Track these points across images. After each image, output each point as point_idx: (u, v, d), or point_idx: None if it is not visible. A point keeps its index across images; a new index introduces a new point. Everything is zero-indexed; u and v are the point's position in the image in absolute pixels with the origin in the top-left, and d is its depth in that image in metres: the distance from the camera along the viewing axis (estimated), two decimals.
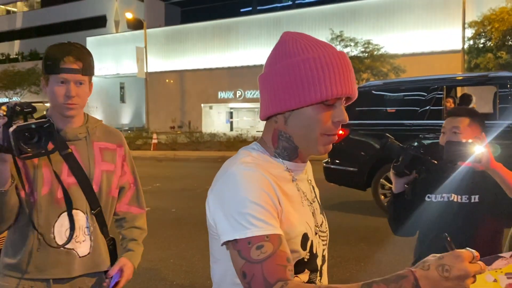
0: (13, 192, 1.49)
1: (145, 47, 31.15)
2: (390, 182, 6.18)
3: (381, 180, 6.36)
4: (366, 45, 22.77)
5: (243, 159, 1.00)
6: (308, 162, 1.15)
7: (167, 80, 37.36)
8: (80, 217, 1.62)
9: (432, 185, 1.98)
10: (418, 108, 6.09)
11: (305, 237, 1.02)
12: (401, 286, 0.82)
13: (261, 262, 0.89)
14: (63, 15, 46.75)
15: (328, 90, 0.96)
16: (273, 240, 0.90)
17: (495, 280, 1.22)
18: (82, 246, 1.63)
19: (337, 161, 6.72)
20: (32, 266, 1.56)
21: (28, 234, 1.57)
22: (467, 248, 0.87)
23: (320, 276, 1.10)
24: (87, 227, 1.64)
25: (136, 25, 38.60)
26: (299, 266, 1.02)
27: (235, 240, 0.91)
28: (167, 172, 12.24)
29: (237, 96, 34.85)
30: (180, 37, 36.80)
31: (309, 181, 1.15)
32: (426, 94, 6.10)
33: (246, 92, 34.37)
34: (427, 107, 6.01)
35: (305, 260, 1.03)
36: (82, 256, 1.63)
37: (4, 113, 1.40)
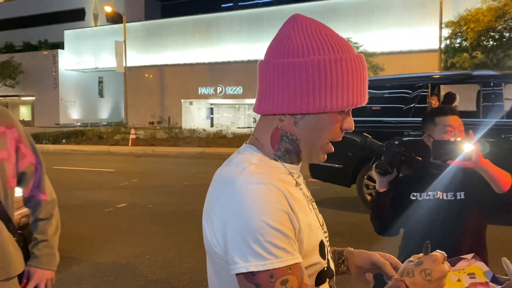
0: None
1: (124, 41, 30.74)
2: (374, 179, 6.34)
3: (365, 177, 6.41)
4: None
5: (249, 169, 0.87)
6: None
7: (146, 75, 36.97)
8: None
9: (417, 183, 1.98)
10: (403, 106, 6.15)
11: (321, 245, 0.94)
12: None
13: None
14: (40, 7, 45.72)
15: (354, 98, 0.88)
16: (296, 272, 0.81)
17: (458, 280, 1.28)
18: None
19: None
20: None
21: None
22: (437, 250, 0.95)
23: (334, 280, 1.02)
24: None
25: (115, 18, 38.00)
26: (321, 277, 0.94)
27: (251, 272, 0.79)
28: (145, 168, 12.15)
29: (218, 92, 34.73)
30: (160, 32, 36.42)
31: (304, 181, 1.04)
32: (411, 91, 6.15)
33: (226, 88, 34.28)
34: (412, 105, 6.07)
35: (325, 269, 0.95)
36: None
37: None
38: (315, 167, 6.77)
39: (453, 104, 7.62)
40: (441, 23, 20.56)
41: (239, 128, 30.40)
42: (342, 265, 1.13)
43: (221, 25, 34.24)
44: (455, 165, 1.81)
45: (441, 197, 1.93)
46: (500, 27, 18.52)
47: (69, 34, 40.30)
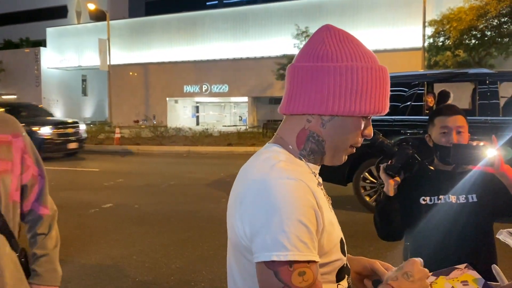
0: None
1: (108, 39, 30.40)
2: (373, 177, 6.34)
3: (362, 175, 6.40)
4: None
5: (279, 165, 0.91)
6: None
7: (130, 73, 36.63)
8: None
9: (426, 186, 1.90)
10: (400, 104, 6.15)
11: (342, 242, 0.99)
12: None
13: None
14: (22, 4, 44.91)
15: (379, 104, 0.94)
16: (313, 268, 0.85)
17: (452, 287, 1.32)
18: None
19: None
20: None
21: None
22: (414, 258, 1.02)
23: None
24: None
25: (98, 16, 37.53)
26: (341, 273, 0.98)
27: (272, 261, 0.83)
28: (130, 167, 12.04)
29: (203, 90, 34.60)
30: (144, 29, 36.12)
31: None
32: (407, 89, 6.15)
33: (212, 86, 34.17)
34: (408, 103, 6.07)
35: (345, 266, 1.00)
36: None
37: None
38: None
39: (448, 102, 7.67)
40: (424, 22, 20.81)
41: (225, 126, 30.35)
42: None
43: (206, 23, 34.10)
44: (472, 170, 1.78)
45: (453, 201, 1.85)
46: (481, 26, 18.82)
47: (52, 32, 39.70)
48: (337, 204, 6.70)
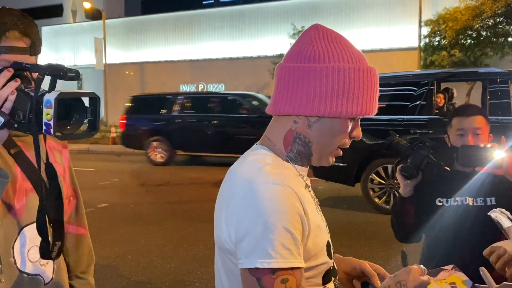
0: None
1: (104, 38, 30.34)
2: (380, 177, 6.31)
3: (370, 176, 6.35)
4: None
5: (266, 169, 0.90)
6: None
7: (126, 72, 36.54)
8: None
9: (443, 188, 1.83)
10: (409, 103, 6.08)
11: (328, 245, 0.98)
12: None
13: None
14: (17, 3, 44.54)
15: (367, 106, 0.93)
16: (296, 274, 0.84)
17: None
18: (46, 270, 1.26)
19: None
20: None
21: None
22: (416, 264, 0.99)
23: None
24: None
25: (94, 15, 37.43)
26: (328, 276, 0.98)
27: (256, 267, 0.83)
28: (125, 167, 12.01)
29: (200, 89, 34.56)
30: (140, 28, 36.02)
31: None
32: (416, 89, 6.07)
33: (208, 86, 34.12)
34: (418, 102, 5.99)
35: (331, 268, 0.99)
36: (47, 283, 1.27)
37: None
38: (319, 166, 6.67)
39: (452, 101, 7.57)
40: (420, 21, 20.87)
41: None
42: None
43: (203, 22, 34.05)
44: (484, 172, 1.72)
45: (470, 203, 1.78)
46: (477, 25, 18.87)
47: (47, 31, 39.52)
48: (333, 204, 6.74)
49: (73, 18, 43.87)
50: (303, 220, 0.88)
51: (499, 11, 18.18)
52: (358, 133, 0.99)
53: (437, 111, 6.31)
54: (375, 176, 6.32)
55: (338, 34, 0.97)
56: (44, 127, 0.96)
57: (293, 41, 24.51)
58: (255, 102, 11.43)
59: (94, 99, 1.10)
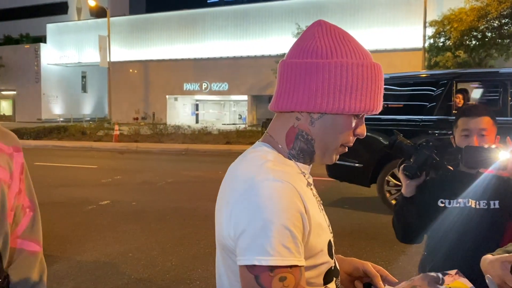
0: None
1: (108, 35, 30.38)
2: (396, 179, 6.14)
3: (387, 176, 6.23)
4: None
5: (267, 166, 0.88)
6: None
7: (130, 70, 36.61)
8: None
9: (446, 189, 1.79)
10: (427, 104, 5.93)
11: (330, 245, 0.97)
12: None
13: None
14: (22, 0, 44.87)
15: (370, 102, 0.91)
16: (295, 273, 0.83)
17: None
18: None
19: (341, 156, 6.42)
20: None
21: None
22: (435, 272, 0.97)
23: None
24: None
25: (99, 13, 37.50)
26: (329, 276, 0.97)
27: (254, 264, 0.82)
28: (128, 165, 12.04)
29: (203, 88, 34.57)
30: (145, 27, 36.07)
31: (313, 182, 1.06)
32: (435, 89, 5.91)
33: (212, 85, 34.14)
34: (436, 102, 5.83)
35: (332, 268, 0.98)
36: None
37: None
38: (333, 166, 6.38)
39: (469, 101, 7.42)
40: (425, 22, 20.80)
41: (224, 124, 30.33)
42: None
43: (207, 20, 34.06)
44: (488, 173, 1.68)
45: (473, 205, 1.74)
46: (482, 27, 18.80)
47: (52, 28, 39.64)
48: (336, 203, 6.73)
49: (78, 15, 43.97)
50: (303, 218, 0.86)
51: (505, 12, 18.09)
52: (363, 130, 0.96)
53: (455, 112, 6.24)
54: (391, 178, 6.20)
55: (342, 30, 0.95)
56: None
57: None
58: None
59: None
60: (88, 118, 36.72)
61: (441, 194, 1.79)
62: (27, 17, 44.17)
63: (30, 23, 43.58)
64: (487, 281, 1.21)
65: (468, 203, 1.75)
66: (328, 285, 0.97)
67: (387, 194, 6.26)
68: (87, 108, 42.81)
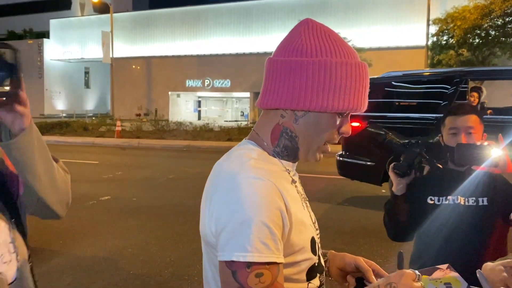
0: None
1: (111, 31, 30.38)
2: None
3: None
4: None
5: (249, 163, 0.90)
6: None
7: (133, 66, 36.62)
8: (2, 228, 1.08)
9: (435, 186, 1.82)
10: (441, 102, 5.80)
11: (313, 241, 0.97)
12: None
13: None
14: None
15: (354, 101, 0.92)
16: (273, 269, 0.84)
17: None
18: (10, 269, 1.10)
19: (353, 154, 6.41)
20: None
21: None
22: (412, 269, 0.96)
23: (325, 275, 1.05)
24: (11, 242, 1.10)
25: (102, 8, 37.51)
26: (312, 272, 0.97)
27: (232, 260, 0.83)
28: (130, 161, 12.06)
29: (206, 85, 34.58)
30: (147, 23, 36.07)
31: (299, 180, 1.08)
32: (449, 86, 5.76)
33: (214, 81, 34.14)
34: (450, 101, 5.65)
35: (316, 264, 0.98)
36: (10, 283, 1.10)
37: None
38: (344, 164, 6.44)
39: (481, 99, 7.35)
40: (428, 20, 20.70)
41: (227, 121, 30.34)
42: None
43: (210, 17, 34.03)
44: (478, 171, 1.68)
45: (462, 203, 1.76)
46: (486, 25, 18.71)
47: (55, 24, 39.67)
48: (334, 200, 6.72)
49: (81, 11, 44.00)
50: (283, 216, 0.87)
51: (509, 11, 18.00)
52: (348, 128, 0.97)
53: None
54: None
55: (328, 29, 0.96)
56: None
57: None
58: None
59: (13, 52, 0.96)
60: (91, 114, 36.77)
61: (430, 192, 1.81)
62: (30, 13, 44.22)
63: (33, 19, 43.64)
64: (478, 275, 1.22)
65: (457, 200, 1.77)
66: (312, 281, 0.97)
67: None
68: (90, 104, 42.88)
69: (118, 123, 17.46)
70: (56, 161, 1.18)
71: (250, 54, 32.05)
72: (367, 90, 0.95)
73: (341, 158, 6.54)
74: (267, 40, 30.99)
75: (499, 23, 18.82)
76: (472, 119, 1.79)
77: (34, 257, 1.23)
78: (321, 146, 0.97)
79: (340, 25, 26.54)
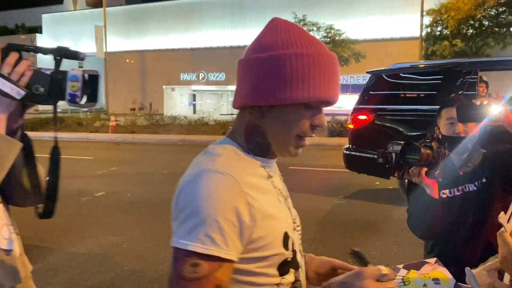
0: None
1: (105, 26, 30.15)
2: None
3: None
4: (328, 30, 22.95)
5: (216, 159, 0.92)
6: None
7: (127, 61, 36.42)
8: (3, 212, 1.21)
9: (444, 180, 1.85)
10: (450, 94, 5.59)
11: (286, 236, 0.96)
12: None
13: (189, 281, 0.84)
14: None
15: (315, 91, 0.90)
16: (213, 264, 0.84)
17: (424, 285, 1.30)
18: (17, 246, 1.25)
19: (360, 147, 6.31)
20: None
21: None
22: (379, 266, 0.89)
23: (302, 272, 1.05)
24: (11, 224, 1.25)
25: (95, 2, 37.24)
26: (284, 267, 0.97)
27: (177, 247, 0.85)
28: (124, 156, 12.03)
29: (200, 78, 34.46)
30: (141, 17, 35.85)
31: (281, 177, 1.09)
32: (458, 78, 5.64)
33: (209, 75, 34.04)
34: (460, 92, 5.49)
35: (289, 260, 0.97)
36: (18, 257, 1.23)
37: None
38: (352, 158, 6.34)
39: (487, 92, 7.33)
40: (422, 11, 20.68)
41: (222, 115, 30.25)
42: None
43: (203, 10, 33.85)
44: (472, 150, 1.84)
45: (469, 190, 1.89)
46: (479, 15, 18.74)
47: (47, 18, 39.36)
48: (330, 194, 6.74)
49: (73, 5, 43.62)
50: (241, 212, 0.87)
51: (502, 1, 18.02)
52: (320, 121, 0.96)
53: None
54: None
55: (293, 25, 0.96)
56: (69, 97, 1.17)
57: None
58: None
59: (95, 76, 1.25)
60: (85, 109, 36.58)
61: (440, 186, 1.85)
62: (22, 7, 43.83)
63: (25, 13, 43.27)
64: (466, 273, 1.22)
65: (466, 188, 1.90)
66: (285, 276, 0.97)
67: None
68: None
69: (112, 118, 17.39)
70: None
71: (245, 46, 30.55)
72: (333, 79, 0.93)
73: (348, 152, 6.41)
74: None
75: (492, 13, 18.85)
76: None
77: (29, 254, 1.36)
78: (291, 139, 0.96)
79: (334, 17, 26.48)
